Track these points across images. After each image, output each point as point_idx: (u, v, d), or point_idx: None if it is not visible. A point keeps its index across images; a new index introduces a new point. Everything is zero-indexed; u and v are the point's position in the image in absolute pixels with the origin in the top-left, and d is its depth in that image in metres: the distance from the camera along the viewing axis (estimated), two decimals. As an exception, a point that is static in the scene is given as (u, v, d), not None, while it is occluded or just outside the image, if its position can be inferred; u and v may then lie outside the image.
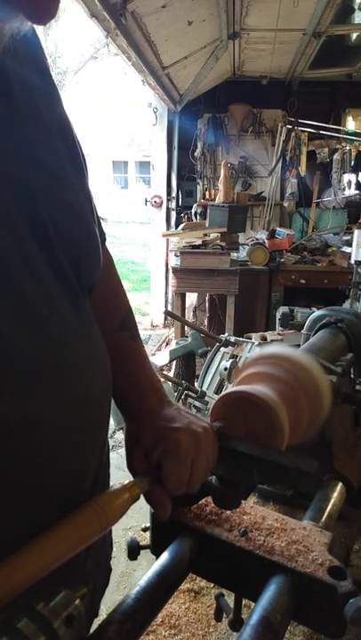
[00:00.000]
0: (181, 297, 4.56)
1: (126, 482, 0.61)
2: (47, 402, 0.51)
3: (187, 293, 4.80)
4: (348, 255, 4.30)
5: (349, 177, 5.62)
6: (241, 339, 2.83)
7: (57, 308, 0.55)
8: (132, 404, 0.72)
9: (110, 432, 2.93)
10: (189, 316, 5.48)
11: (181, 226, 4.73)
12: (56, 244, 0.56)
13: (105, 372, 0.64)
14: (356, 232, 3.81)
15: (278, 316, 3.82)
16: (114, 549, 0.82)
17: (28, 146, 0.54)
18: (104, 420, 0.63)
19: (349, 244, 4.59)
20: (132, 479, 0.62)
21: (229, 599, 0.92)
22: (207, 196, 5.76)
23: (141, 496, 0.64)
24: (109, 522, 0.54)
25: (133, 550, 0.83)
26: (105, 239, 0.76)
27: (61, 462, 0.53)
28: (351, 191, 5.63)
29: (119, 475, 0.71)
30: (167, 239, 5.52)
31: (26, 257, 0.52)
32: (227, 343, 2.77)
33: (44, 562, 0.47)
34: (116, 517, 0.55)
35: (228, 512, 0.73)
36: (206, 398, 2.67)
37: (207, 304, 5.08)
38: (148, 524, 0.76)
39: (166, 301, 5.94)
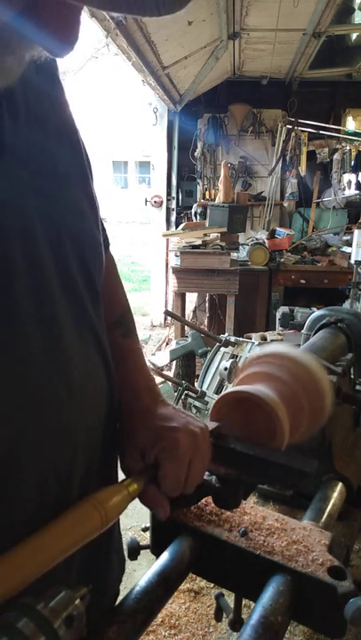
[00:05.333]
0: (181, 297, 4.56)
1: (123, 479, 0.61)
2: (32, 426, 0.51)
3: (187, 293, 4.80)
4: (348, 255, 4.30)
5: (349, 177, 5.62)
6: (241, 339, 2.83)
7: (59, 324, 0.55)
8: (127, 403, 0.71)
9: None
10: (189, 316, 5.48)
11: (181, 226, 4.73)
12: (68, 248, 0.56)
13: (101, 394, 0.63)
14: (356, 232, 3.81)
15: (278, 316, 3.82)
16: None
17: (32, 149, 0.54)
18: (95, 441, 0.62)
19: (349, 244, 4.58)
20: (126, 478, 0.62)
21: (229, 599, 0.92)
22: (207, 196, 5.76)
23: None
24: (109, 518, 0.53)
25: (133, 550, 0.83)
26: (109, 244, 0.76)
27: (40, 484, 0.52)
28: (351, 191, 5.63)
29: (120, 475, 0.71)
30: (167, 239, 5.52)
31: (33, 264, 0.52)
32: (227, 343, 2.77)
33: (43, 559, 0.47)
34: (116, 514, 0.55)
35: (228, 512, 0.73)
36: (206, 398, 2.67)
37: (207, 304, 5.08)
38: (148, 524, 0.76)
39: (166, 301, 5.93)
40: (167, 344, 5.08)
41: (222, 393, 0.73)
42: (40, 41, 0.43)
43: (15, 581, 0.44)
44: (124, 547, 0.82)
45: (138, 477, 0.62)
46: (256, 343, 2.75)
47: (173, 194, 5.89)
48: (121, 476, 0.66)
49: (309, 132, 5.52)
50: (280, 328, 3.74)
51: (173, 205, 5.89)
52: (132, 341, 0.77)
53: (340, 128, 5.51)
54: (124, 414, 0.71)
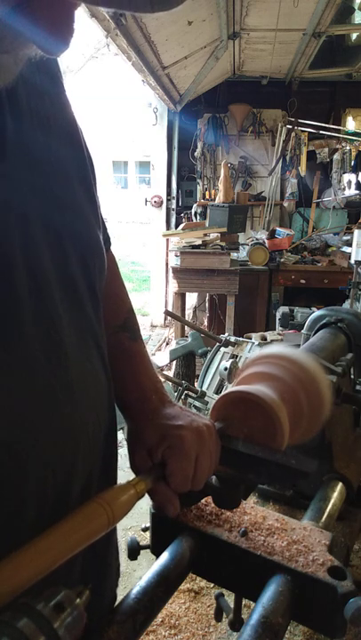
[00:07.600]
0: (181, 297, 4.56)
1: (131, 478, 0.61)
2: (32, 427, 0.51)
3: (187, 293, 4.80)
4: (348, 255, 4.30)
5: (349, 177, 5.62)
6: (241, 339, 2.83)
7: (59, 325, 0.55)
8: (134, 404, 0.72)
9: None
10: (189, 316, 5.48)
11: (181, 226, 4.73)
12: (68, 249, 0.56)
13: (101, 394, 0.63)
14: (356, 232, 3.80)
15: (278, 316, 3.82)
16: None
17: (34, 150, 0.54)
18: (95, 444, 0.62)
19: (349, 244, 4.58)
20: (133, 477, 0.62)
21: (229, 599, 0.92)
22: (207, 196, 5.76)
23: (144, 496, 0.63)
24: (116, 517, 0.53)
25: (133, 550, 0.83)
26: (110, 244, 0.77)
27: (41, 486, 0.52)
28: (351, 191, 5.63)
29: (120, 475, 0.71)
30: (167, 239, 5.52)
31: (34, 265, 0.52)
32: (227, 343, 2.77)
33: (50, 556, 0.47)
34: (123, 513, 0.55)
35: (229, 512, 0.73)
36: (206, 398, 2.67)
37: (207, 304, 5.08)
38: (148, 524, 0.76)
39: (166, 301, 5.93)
40: (167, 344, 5.08)
41: (222, 393, 0.73)
42: (34, 38, 0.42)
43: (22, 579, 0.44)
44: (124, 547, 0.82)
45: (145, 476, 0.62)
46: (256, 343, 2.75)
47: (173, 194, 5.89)
48: (122, 478, 0.66)
49: (309, 132, 5.52)
50: (280, 328, 3.74)
51: (173, 205, 5.89)
52: (139, 344, 0.78)
53: (340, 128, 5.51)
54: (133, 416, 0.71)
